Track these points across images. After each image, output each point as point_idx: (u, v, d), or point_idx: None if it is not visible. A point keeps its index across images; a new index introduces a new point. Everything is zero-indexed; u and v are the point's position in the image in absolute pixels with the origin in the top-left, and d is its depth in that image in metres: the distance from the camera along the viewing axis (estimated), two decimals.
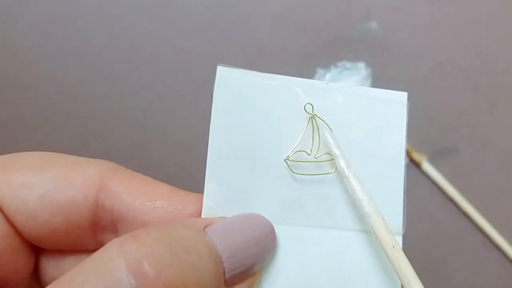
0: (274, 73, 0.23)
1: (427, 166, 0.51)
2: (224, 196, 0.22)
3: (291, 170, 0.23)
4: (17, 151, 0.24)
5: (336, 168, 0.23)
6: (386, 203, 0.22)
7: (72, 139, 0.52)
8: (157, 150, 0.51)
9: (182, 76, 0.52)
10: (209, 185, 0.22)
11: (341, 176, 0.22)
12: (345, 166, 0.22)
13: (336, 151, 0.22)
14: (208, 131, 0.23)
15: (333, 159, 0.23)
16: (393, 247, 0.21)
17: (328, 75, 0.52)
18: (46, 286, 0.24)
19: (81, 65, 0.53)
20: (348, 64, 0.53)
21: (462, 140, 0.51)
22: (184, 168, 0.51)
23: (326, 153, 0.23)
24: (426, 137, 0.51)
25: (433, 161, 0.51)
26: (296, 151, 0.23)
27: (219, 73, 0.23)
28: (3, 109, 0.52)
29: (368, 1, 0.54)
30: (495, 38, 0.53)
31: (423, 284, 0.21)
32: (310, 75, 0.52)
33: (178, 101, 0.52)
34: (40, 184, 0.22)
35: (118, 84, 0.53)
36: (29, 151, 0.24)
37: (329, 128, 0.23)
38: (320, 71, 0.53)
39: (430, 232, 0.50)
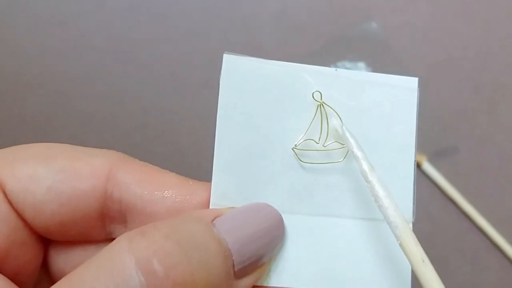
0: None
1: (427, 166, 0.50)
2: (232, 186, 0.22)
3: (299, 159, 0.22)
4: None
5: (345, 157, 0.22)
6: (396, 191, 0.22)
7: (72, 139, 0.52)
8: (157, 150, 0.51)
9: (182, 76, 0.52)
10: (217, 175, 0.22)
11: (364, 180, 0.21)
12: (368, 170, 0.21)
13: (358, 153, 0.21)
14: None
15: (341, 148, 0.22)
16: (423, 261, 0.20)
17: None
18: (55, 277, 0.24)
19: (81, 64, 0.53)
20: (348, 64, 0.53)
21: (462, 140, 0.51)
22: (184, 169, 0.51)
23: (335, 142, 0.22)
24: (426, 137, 0.51)
25: (433, 161, 0.51)
26: (304, 140, 0.22)
27: (225, 60, 0.22)
28: (3, 108, 0.52)
29: (368, 1, 0.54)
30: (495, 38, 0.53)
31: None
32: None
33: (179, 101, 0.52)
34: (48, 176, 0.22)
35: (118, 84, 0.53)
36: None
37: (338, 115, 0.22)
38: None
39: (430, 232, 0.50)
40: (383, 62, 0.53)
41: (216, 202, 0.22)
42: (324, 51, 0.53)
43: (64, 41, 0.53)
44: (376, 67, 0.52)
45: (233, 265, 0.20)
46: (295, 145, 0.22)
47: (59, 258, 0.24)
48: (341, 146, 0.22)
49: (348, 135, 0.22)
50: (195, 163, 0.50)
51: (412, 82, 0.23)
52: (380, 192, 0.21)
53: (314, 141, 0.22)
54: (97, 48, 0.53)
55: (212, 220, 0.21)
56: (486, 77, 0.52)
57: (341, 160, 0.22)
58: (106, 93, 0.52)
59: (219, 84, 0.22)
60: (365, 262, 0.22)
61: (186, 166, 0.51)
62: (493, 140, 0.51)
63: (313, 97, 0.22)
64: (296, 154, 0.22)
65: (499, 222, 0.50)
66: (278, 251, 0.22)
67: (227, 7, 0.54)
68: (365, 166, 0.21)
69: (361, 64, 0.53)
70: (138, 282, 0.17)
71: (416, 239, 0.20)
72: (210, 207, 0.22)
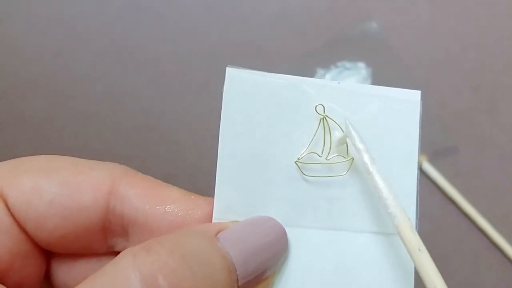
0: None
1: (427, 166, 0.51)
2: (235, 199, 0.22)
3: (302, 172, 0.22)
4: (17, 151, 0.24)
5: (348, 170, 0.22)
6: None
7: (72, 139, 0.52)
8: (157, 150, 0.51)
9: (182, 76, 0.52)
10: (220, 188, 0.22)
11: (365, 172, 0.21)
12: (369, 161, 0.21)
13: (359, 145, 0.21)
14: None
15: (344, 161, 0.22)
16: (419, 249, 0.20)
17: (328, 75, 0.52)
18: None
19: (81, 65, 0.53)
20: (348, 64, 0.53)
21: (462, 140, 0.51)
22: (184, 169, 0.51)
23: (338, 155, 0.22)
24: (426, 137, 0.51)
25: (433, 161, 0.51)
26: (307, 153, 0.22)
27: (228, 74, 0.22)
28: (3, 109, 0.52)
29: (368, 1, 0.54)
30: (495, 38, 0.53)
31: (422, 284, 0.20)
32: (310, 75, 0.52)
33: (178, 102, 0.52)
34: (50, 189, 0.22)
35: (118, 84, 0.52)
36: (29, 151, 0.24)
37: (341, 128, 0.22)
38: (320, 71, 0.53)
39: (430, 232, 0.50)
40: (383, 62, 0.53)
41: (219, 215, 0.22)
42: (324, 51, 0.53)
43: (64, 41, 0.53)
44: (376, 67, 0.53)
45: (237, 280, 0.20)
46: (298, 158, 0.22)
47: (62, 271, 0.24)
48: (344, 159, 0.22)
49: (351, 128, 0.22)
50: (195, 163, 0.50)
51: (414, 95, 0.23)
52: (380, 184, 0.21)
53: (317, 154, 0.22)
54: (97, 48, 0.53)
55: (216, 234, 0.21)
56: (486, 77, 0.52)
57: (344, 173, 0.22)
58: (106, 93, 0.52)
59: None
60: (369, 276, 0.22)
61: (186, 166, 0.51)
62: (493, 140, 0.51)
63: (316, 110, 0.22)
64: (299, 168, 0.22)
65: (499, 222, 0.50)
66: (282, 264, 0.22)
67: (227, 7, 0.54)
68: (366, 158, 0.21)
69: (361, 64, 0.53)
70: None
71: (413, 228, 0.21)
72: (213, 221, 0.22)
